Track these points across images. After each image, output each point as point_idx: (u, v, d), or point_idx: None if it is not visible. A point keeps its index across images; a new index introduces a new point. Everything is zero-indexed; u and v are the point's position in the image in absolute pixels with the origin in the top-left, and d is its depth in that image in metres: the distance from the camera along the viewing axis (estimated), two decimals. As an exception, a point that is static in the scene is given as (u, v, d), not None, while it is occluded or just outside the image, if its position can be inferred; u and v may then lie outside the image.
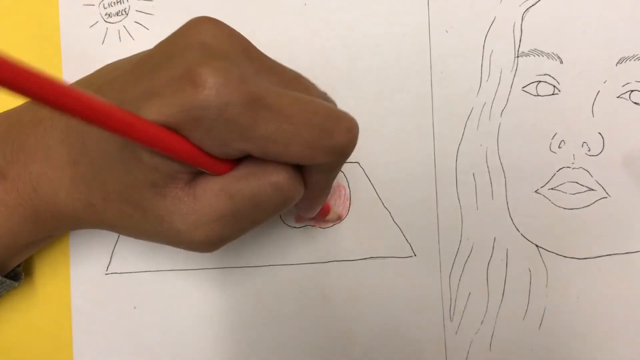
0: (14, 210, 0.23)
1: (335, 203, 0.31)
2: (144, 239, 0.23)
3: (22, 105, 0.25)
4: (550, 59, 0.31)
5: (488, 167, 0.31)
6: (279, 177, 0.20)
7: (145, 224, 0.21)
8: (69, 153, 0.22)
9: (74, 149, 0.22)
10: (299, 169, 0.21)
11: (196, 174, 0.20)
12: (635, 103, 0.31)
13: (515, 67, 0.31)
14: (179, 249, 0.30)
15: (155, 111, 0.18)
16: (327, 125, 0.19)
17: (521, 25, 0.31)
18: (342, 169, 0.31)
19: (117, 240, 0.31)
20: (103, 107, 0.16)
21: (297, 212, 0.24)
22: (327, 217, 0.30)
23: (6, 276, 0.27)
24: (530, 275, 0.31)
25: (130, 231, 0.23)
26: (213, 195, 0.20)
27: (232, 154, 0.19)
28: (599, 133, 0.31)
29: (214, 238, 0.21)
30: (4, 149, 0.23)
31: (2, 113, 0.25)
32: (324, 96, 0.22)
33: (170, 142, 0.18)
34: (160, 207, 0.20)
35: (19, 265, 0.28)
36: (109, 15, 0.31)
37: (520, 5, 0.31)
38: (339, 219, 0.31)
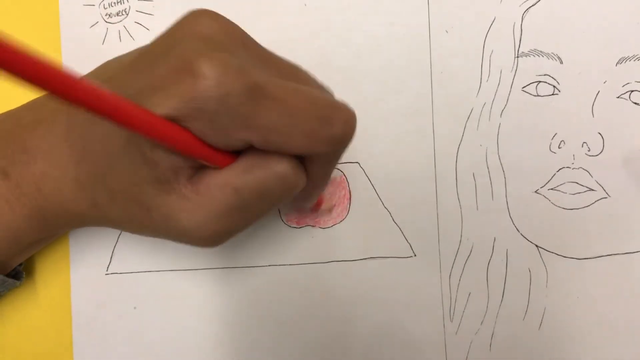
0: (18, 210, 0.23)
1: (332, 197, 0.31)
2: (149, 236, 0.23)
3: (21, 106, 0.25)
4: (550, 59, 0.31)
5: (488, 167, 0.31)
6: (283, 167, 0.20)
7: (150, 222, 0.21)
8: (71, 152, 0.22)
9: (76, 148, 0.22)
10: (300, 159, 0.21)
11: (198, 169, 0.20)
12: (635, 103, 0.31)
13: (515, 67, 0.31)
14: (179, 249, 0.31)
15: (156, 104, 0.18)
16: (327, 115, 0.19)
17: (521, 25, 0.31)
18: (342, 169, 0.31)
19: (117, 240, 0.31)
20: (109, 98, 0.16)
21: (294, 203, 0.24)
22: (322, 208, 0.30)
23: (7, 275, 0.27)
24: (530, 275, 0.31)
25: (136, 229, 0.23)
26: (218, 190, 0.20)
27: (234, 145, 0.19)
28: (599, 133, 0.31)
29: (221, 232, 0.21)
30: (5, 150, 0.23)
31: (1, 114, 0.25)
32: (322, 88, 0.23)
33: (173, 134, 0.18)
34: (165, 204, 0.20)
35: (20, 265, 0.28)
36: (109, 15, 0.31)
37: (520, 6, 0.31)
38: (332, 209, 0.31)
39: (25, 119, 0.24)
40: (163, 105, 0.18)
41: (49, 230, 0.25)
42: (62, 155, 0.22)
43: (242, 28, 0.22)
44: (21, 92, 0.25)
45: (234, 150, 0.20)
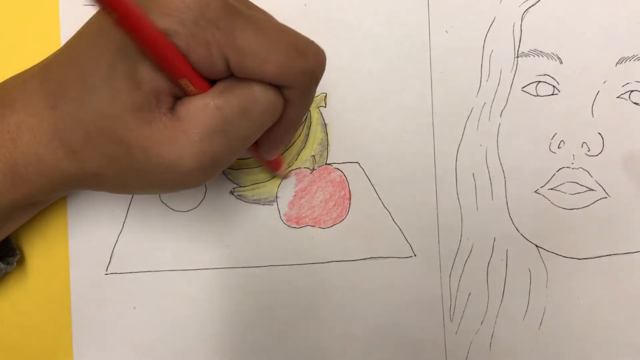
0: None
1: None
2: (133, 190, 0.23)
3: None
4: (550, 59, 0.31)
5: (488, 167, 0.31)
6: (263, 85, 0.20)
7: (130, 161, 0.21)
8: (47, 99, 0.21)
9: (52, 94, 0.21)
10: None
11: (177, 98, 0.20)
12: (635, 103, 0.31)
13: (515, 67, 0.31)
14: (179, 249, 0.30)
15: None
16: (300, 46, 0.20)
17: (521, 25, 0.31)
18: (342, 169, 0.31)
19: (117, 240, 0.31)
20: None
21: (261, 147, 0.24)
22: (280, 170, 0.30)
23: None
24: (530, 275, 0.31)
25: (117, 179, 0.22)
26: (199, 111, 0.20)
27: (215, 65, 0.19)
28: (599, 133, 0.31)
29: (206, 160, 0.20)
30: None
31: None
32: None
33: (163, 44, 0.18)
34: (146, 137, 0.20)
35: (14, 255, 0.28)
36: (109, 15, 0.31)
37: (520, 6, 0.31)
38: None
39: (9, 81, 0.24)
40: (150, 18, 0.18)
41: (25, 192, 0.23)
42: (38, 104, 0.22)
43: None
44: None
45: (213, 78, 0.20)
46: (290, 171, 0.31)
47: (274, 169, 0.29)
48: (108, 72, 0.20)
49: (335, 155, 0.31)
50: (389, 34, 0.31)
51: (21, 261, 0.30)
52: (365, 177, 0.31)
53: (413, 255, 0.31)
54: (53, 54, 0.23)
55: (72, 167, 0.22)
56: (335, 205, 0.31)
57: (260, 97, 0.20)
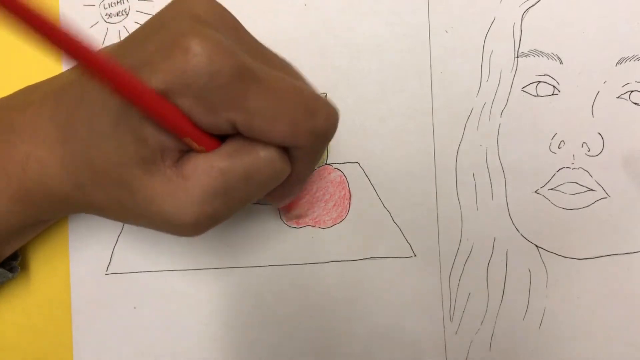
0: (2, 191, 0.23)
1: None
2: (131, 223, 0.23)
3: (15, 92, 0.25)
4: (550, 60, 0.31)
5: (488, 167, 0.31)
6: (269, 151, 0.20)
7: (133, 206, 0.21)
8: (57, 132, 0.22)
9: (62, 127, 0.21)
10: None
11: (184, 152, 0.20)
12: (635, 103, 0.31)
13: (515, 68, 0.31)
14: (179, 249, 0.31)
15: (146, 77, 0.18)
16: (311, 107, 0.20)
17: (521, 25, 0.31)
18: (342, 169, 0.31)
19: (117, 240, 0.31)
20: (108, 63, 0.16)
21: (270, 198, 0.24)
22: (292, 212, 0.30)
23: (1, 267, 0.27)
24: (530, 275, 0.31)
25: (118, 214, 0.22)
26: (203, 173, 0.20)
27: (220, 126, 0.19)
28: (599, 133, 0.31)
29: (204, 219, 0.21)
30: None
31: None
32: (307, 83, 0.23)
33: (162, 107, 0.18)
34: (150, 187, 0.20)
35: (15, 259, 0.28)
36: (109, 15, 0.31)
37: (520, 6, 0.31)
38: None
39: (16, 102, 0.24)
40: (153, 79, 0.18)
41: (36, 214, 0.24)
42: (48, 136, 0.22)
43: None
44: (19, 80, 0.25)
45: (219, 134, 0.20)
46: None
47: (288, 211, 0.30)
48: (115, 121, 0.20)
49: (335, 155, 0.31)
50: (389, 34, 0.31)
51: (22, 262, 0.30)
52: (365, 177, 0.31)
53: (413, 255, 0.31)
54: (64, 77, 0.23)
55: (78, 198, 0.22)
56: (335, 205, 0.31)
57: (265, 166, 0.20)
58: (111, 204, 0.22)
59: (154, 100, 0.18)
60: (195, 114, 0.19)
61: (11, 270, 0.28)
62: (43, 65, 0.29)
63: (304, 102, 0.20)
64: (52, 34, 0.14)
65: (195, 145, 0.20)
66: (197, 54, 0.18)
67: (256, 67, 0.19)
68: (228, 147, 0.20)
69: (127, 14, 0.31)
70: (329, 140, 0.21)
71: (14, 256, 0.29)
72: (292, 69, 0.22)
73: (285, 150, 0.21)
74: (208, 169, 0.20)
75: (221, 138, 0.21)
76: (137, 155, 0.20)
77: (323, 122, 0.20)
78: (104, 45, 0.25)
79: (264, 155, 0.20)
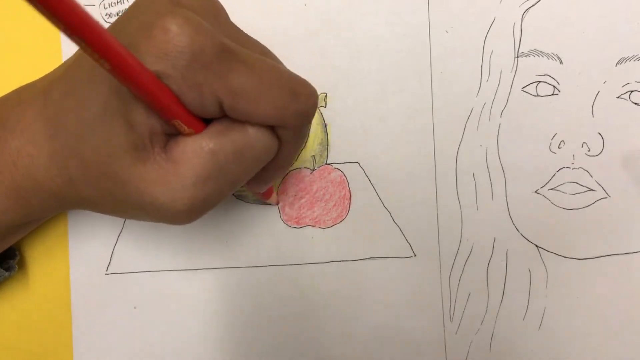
0: None
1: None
2: (125, 216, 0.23)
3: (11, 91, 0.25)
4: (550, 59, 0.31)
5: (488, 167, 0.31)
6: (257, 127, 0.20)
7: (125, 197, 0.21)
8: (46, 127, 0.22)
9: (51, 122, 0.21)
10: None
11: (171, 136, 0.20)
12: (635, 103, 0.31)
13: (515, 68, 0.31)
14: (179, 249, 0.31)
15: None
16: (293, 87, 0.20)
17: (521, 25, 0.31)
18: (342, 169, 0.31)
19: (117, 240, 0.31)
20: (108, 38, 0.16)
21: (253, 181, 0.24)
22: (270, 199, 0.30)
23: None
24: (530, 275, 0.31)
25: (111, 207, 0.22)
26: (193, 155, 0.20)
27: (208, 107, 0.19)
28: (599, 133, 0.31)
29: (197, 203, 0.20)
30: None
31: None
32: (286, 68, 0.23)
33: (155, 87, 0.18)
34: (140, 175, 0.20)
35: (13, 258, 0.28)
36: (109, 15, 0.31)
37: (520, 6, 0.31)
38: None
39: (10, 100, 0.24)
40: (140, 59, 0.18)
41: (28, 210, 0.24)
42: (37, 131, 0.22)
43: (242, 28, 0.22)
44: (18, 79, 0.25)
45: (205, 116, 0.20)
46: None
47: (265, 198, 0.29)
48: (103, 109, 0.20)
49: (335, 155, 0.31)
50: (389, 34, 0.31)
51: (21, 262, 0.30)
52: (365, 177, 0.31)
53: (413, 255, 0.31)
54: (54, 74, 0.24)
55: (69, 193, 0.22)
56: (335, 205, 0.31)
57: (255, 141, 0.20)
58: (103, 197, 0.21)
59: (149, 80, 0.18)
60: (182, 95, 0.19)
61: (8, 269, 0.28)
62: (42, 65, 0.29)
63: (286, 82, 0.20)
64: (56, 5, 0.14)
65: (184, 127, 0.20)
66: (178, 34, 0.18)
67: (238, 48, 0.19)
68: (215, 127, 0.20)
69: (127, 14, 0.31)
70: (311, 120, 0.22)
71: (12, 255, 0.29)
72: (273, 55, 0.22)
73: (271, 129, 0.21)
74: (198, 151, 0.20)
75: (207, 122, 0.21)
76: (127, 141, 0.19)
77: (304, 102, 0.20)
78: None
79: (253, 132, 0.20)
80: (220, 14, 0.21)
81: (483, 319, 0.31)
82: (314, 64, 0.31)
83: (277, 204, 0.31)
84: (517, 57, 0.31)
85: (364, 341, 0.30)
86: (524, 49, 0.31)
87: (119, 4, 0.32)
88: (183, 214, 0.21)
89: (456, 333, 0.31)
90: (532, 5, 0.31)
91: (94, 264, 0.31)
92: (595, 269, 0.31)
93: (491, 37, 0.31)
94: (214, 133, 0.20)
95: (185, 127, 0.20)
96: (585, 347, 0.31)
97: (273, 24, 0.31)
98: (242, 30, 0.22)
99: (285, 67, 0.22)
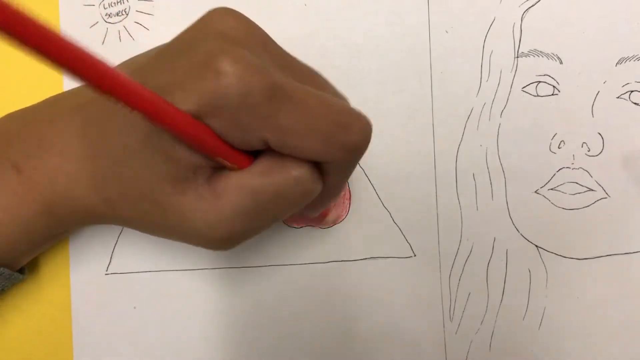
0: (28, 203, 0.23)
1: (336, 204, 0.31)
2: (159, 236, 0.23)
3: (39, 102, 0.25)
4: (550, 60, 0.31)
5: (488, 167, 0.31)
6: (300, 171, 0.20)
7: (164, 222, 0.21)
8: (86, 147, 0.22)
9: (92, 143, 0.22)
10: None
11: (215, 169, 0.20)
12: (635, 103, 0.31)
13: (515, 68, 0.31)
14: (179, 249, 0.31)
15: (177, 100, 0.18)
16: (344, 121, 0.19)
17: (521, 25, 0.31)
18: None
19: (117, 240, 0.31)
20: (138, 89, 0.16)
21: (303, 210, 0.24)
22: (327, 219, 0.30)
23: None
24: (530, 275, 0.31)
25: (147, 228, 0.22)
26: (235, 192, 0.20)
27: (252, 145, 0.19)
28: (599, 133, 0.31)
29: (235, 235, 0.21)
30: (20, 145, 0.23)
31: (18, 111, 0.25)
32: (338, 94, 0.23)
33: (195, 130, 0.18)
34: (181, 204, 0.20)
35: None
36: (109, 15, 0.31)
37: (520, 6, 0.31)
38: (337, 220, 0.31)
39: (42, 114, 0.24)
40: (184, 101, 0.18)
41: (59, 226, 0.24)
42: (76, 151, 0.22)
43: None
44: (39, 90, 0.25)
45: (251, 150, 0.20)
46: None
47: (323, 217, 0.29)
48: (146, 141, 0.20)
49: (335, 155, 0.31)
50: (389, 34, 0.31)
51: (21, 261, 0.30)
52: (365, 177, 0.31)
53: (413, 255, 0.31)
54: (89, 90, 0.24)
55: (106, 212, 0.22)
56: (335, 205, 0.31)
57: (297, 184, 0.20)
58: (140, 218, 0.22)
59: (187, 123, 0.18)
60: (227, 134, 0.19)
61: (21, 271, 0.28)
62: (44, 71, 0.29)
63: (335, 117, 0.19)
64: (67, 57, 0.13)
65: (227, 163, 0.20)
66: (228, 75, 0.17)
67: (286, 84, 0.18)
68: (260, 165, 0.20)
69: (127, 14, 0.31)
70: (363, 153, 0.21)
71: None
72: (321, 79, 0.22)
73: (317, 164, 0.21)
74: (240, 188, 0.20)
75: (254, 152, 0.20)
76: (169, 174, 0.20)
77: (356, 136, 0.20)
78: (115, 53, 0.25)
79: (296, 175, 0.20)
80: (268, 42, 0.21)
81: (483, 319, 0.31)
82: (314, 64, 0.31)
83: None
84: (517, 57, 0.31)
85: (364, 341, 0.30)
86: (523, 49, 0.31)
87: (119, 4, 0.31)
88: (220, 242, 0.21)
89: (456, 333, 0.31)
90: (532, 5, 0.31)
91: (94, 264, 0.31)
92: (595, 269, 0.31)
93: (491, 37, 0.31)
94: (257, 172, 0.20)
95: (229, 163, 0.20)
96: (585, 347, 0.31)
97: (273, 24, 0.31)
98: (289, 54, 0.21)
99: (336, 93, 0.22)
